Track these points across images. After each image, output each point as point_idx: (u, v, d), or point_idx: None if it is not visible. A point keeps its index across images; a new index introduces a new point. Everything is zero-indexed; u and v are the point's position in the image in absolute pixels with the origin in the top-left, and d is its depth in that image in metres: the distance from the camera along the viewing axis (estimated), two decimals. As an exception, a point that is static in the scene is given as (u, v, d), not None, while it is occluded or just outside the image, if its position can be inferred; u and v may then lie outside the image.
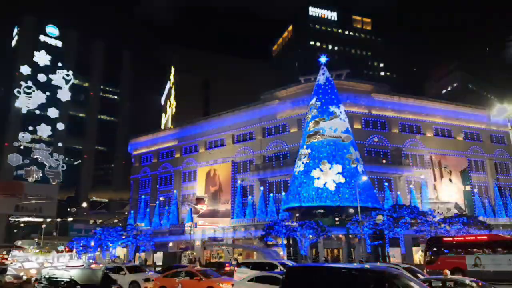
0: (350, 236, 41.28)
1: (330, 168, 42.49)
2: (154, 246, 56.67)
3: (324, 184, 42.12)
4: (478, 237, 31.46)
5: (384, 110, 53.44)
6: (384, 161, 51.00)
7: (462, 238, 31.25)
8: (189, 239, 50.15)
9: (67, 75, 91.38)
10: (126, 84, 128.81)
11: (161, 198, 63.73)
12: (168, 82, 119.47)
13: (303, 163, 44.62)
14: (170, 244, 59.85)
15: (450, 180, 53.37)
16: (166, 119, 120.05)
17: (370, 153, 51.29)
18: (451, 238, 31.33)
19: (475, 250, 27.76)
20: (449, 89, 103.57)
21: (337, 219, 40.99)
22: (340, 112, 45.74)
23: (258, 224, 49.46)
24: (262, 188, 52.56)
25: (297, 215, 44.28)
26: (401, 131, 54.33)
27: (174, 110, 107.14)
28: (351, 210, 40.14)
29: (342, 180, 41.88)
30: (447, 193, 52.46)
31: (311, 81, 51.32)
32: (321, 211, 42.49)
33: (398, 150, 52.75)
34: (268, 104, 55.43)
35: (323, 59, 48.47)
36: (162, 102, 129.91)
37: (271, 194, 51.95)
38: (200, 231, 56.44)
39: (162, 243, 59.12)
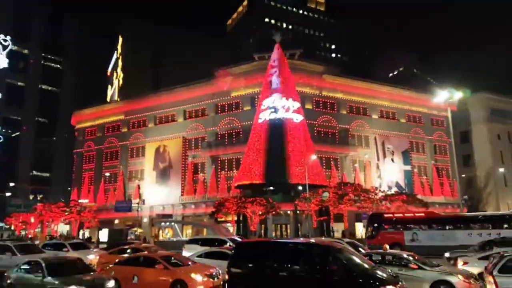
0: (298, 212, 42.58)
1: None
2: (99, 223, 54.98)
3: (275, 162, 42.78)
4: (416, 214, 33.72)
5: (334, 91, 54.73)
6: (332, 141, 52.58)
7: (401, 215, 33.34)
8: (136, 216, 49.10)
9: (4, 40, 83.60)
10: (70, 53, 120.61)
11: (107, 174, 61.46)
12: (116, 52, 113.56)
13: (255, 141, 44.88)
14: (116, 221, 58.40)
15: (392, 160, 56.35)
16: (112, 91, 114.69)
17: (320, 133, 52.62)
18: (391, 215, 33.31)
19: (412, 226, 29.75)
20: (395, 73, 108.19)
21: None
22: (293, 91, 46.25)
23: (209, 201, 49.48)
24: (213, 165, 52.34)
25: (248, 192, 44.78)
26: (349, 112, 56.11)
27: (121, 82, 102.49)
28: (300, 188, 41.25)
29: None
30: (389, 172, 55.47)
31: (265, 59, 51.14)
32: (271, 188, 43.28)
33: (345, 130, 54.57)
34: (222, 80, 54.63)
35: (277, 37, 48.33)
36: (109, 73, 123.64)
37: (223, 172, 51.94)
38: (148, 207, 55.50)
39: (108, 220, 57.51)
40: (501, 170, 58.76)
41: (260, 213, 40.02)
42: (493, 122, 63.65)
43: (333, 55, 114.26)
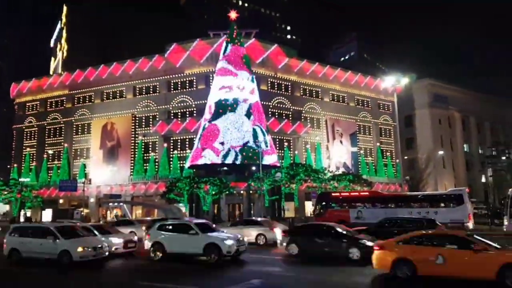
0: (251, 192, 43.07)
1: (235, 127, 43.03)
2: (42, 203, 52.21)
3: (229, 142, 42.65)
4: (361, 193, 35.51)
5: (289, 73, 55.14)
6: (285, 123, 53.30)
7: (347, 194, 34.97)
8: (82, 196, 47.10)
9: None
10: (10, 22, 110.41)
11: (50, 152, 58.02)
12: (60, 22, 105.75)
13: (209, 121, 44.33)
14: (61, 201, 55.76)
15: (341, 142, 58.39)
16: (56, 63, 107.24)
17: (274, 114, 53.05)
18: (338, 194, 34.83)
19: (358, 204, 31.30)
20: (346, 57, 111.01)
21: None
22: (248, 71, 45.92)
23: (160, 181, 48.53)
24: (165, 145, 51.12)
25: (201, 172, 44.44)
26: (302, 94, 56.95)
27: (65, 54, 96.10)
28: (253, 168, 41.60)
29: (247, 138, 42.85)
30: (337, 153, 57.50)
31: (221, 37, 50.14)
32: (225, 168, 43.25)
33: (298, 112, 55.47)
34: (175, 57, 52.92)
35: (233, 14, 47.42)
36: (52, 45, 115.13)
37: (175, 151, 50.96)
38: (95, 187, 53.43)
39: (51, 200, 54.75)
40: (440, 153, 63.05)
41: (214, 193, 39.97)
42: (435, 107, 67.78)
43: (288, 36, 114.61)
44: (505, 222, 25.71)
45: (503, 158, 59.45)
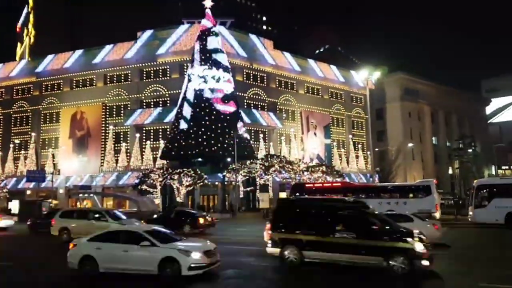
0: (226, 183, 42.96)
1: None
2: (7, 194, 50.28)
3: (205, 133, 42.26)
4: (333, 184, 36.11)
5: (265, 64, 54.96)
6: (260, 114, 53.29)
7: (320, 185, 35.46)
8: (51, 187, 45.59)
9: None
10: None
11: (16, 141, 55.71)
12: (27, 6, 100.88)
13: (183, 110, 43.71)
14: (28, 192, 53.83)
15: (315, 134, 59.01)
16: (22, 49, 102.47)
17: (249, 105, 52.86)
18: (311, 185, 35.24)
19: (330, 195, 31.77)
20: (321, 50, 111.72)
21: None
22: (224, 61, 45.45)
23: (133, 172, 47.59)
24: (138, 134, 50.05)
25: (175, 163, 43.91)
26: (278, 86, 56.99)
27: (32, 39, 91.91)
28: (229, 159, 41.44)
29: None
30: (311, 145, 58.13)
31: (195, 25, 49.29)
32: (200, 159, 42.89)
33: (274, 104, 55.53)
34: (147, 44, 51.66)
35: (208, 3, 46.65)
36: (18, 29, 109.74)
37: (148, 142, 49.99)
38: (64, 178, 51.88)
39: (18, 191, 52.75)
40: (410, 145, 64.84)
41: (187, 184, 39.60)
42: (406, 101, 69.48)
43: (264, 27, 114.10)
44: (470, 213, 26.75)
45: (469, 150, 61.81)
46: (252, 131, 51.36)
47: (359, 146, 65.26)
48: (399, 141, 65.39)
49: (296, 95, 58.49)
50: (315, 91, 61.80)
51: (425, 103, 72.38)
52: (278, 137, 55.01)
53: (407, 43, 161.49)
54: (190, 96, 44.09)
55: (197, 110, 43.36)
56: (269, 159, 42.66)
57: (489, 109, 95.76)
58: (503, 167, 77.98)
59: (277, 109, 55.57)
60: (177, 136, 43.26)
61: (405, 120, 69.11)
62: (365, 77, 35.40)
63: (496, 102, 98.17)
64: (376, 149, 59.59)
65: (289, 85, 58.56)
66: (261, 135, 52.92)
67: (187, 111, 43.74)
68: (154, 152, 48.64)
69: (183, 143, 42.31)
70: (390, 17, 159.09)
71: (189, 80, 44.79)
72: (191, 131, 42.65)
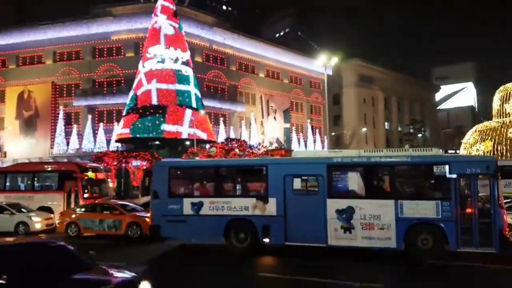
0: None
1: (168, 99, 41.42)
2: None
3: (161, 115, 41.04)
4: None
5: (225, 46, 53.98)
6: (221, 97, 52.64)
7: None
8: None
9: None
10: None
11: (-46, 121, 51.33)
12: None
13: (139, 91, 42.09)
14: (-32, 176, 49.99)
15: (274, 118, 59.34)
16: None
17: (209, 87, 51.94)
18: None
19: None
20: (281, 34, 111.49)
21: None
22: (182, 41, 44.02)
23: (85, 155, 45.45)
24: (90, 116, 47.73)
25: (130, 146, 42.45)
26: (238, 69, 56.37)
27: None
28: (187, 143, 40.66)
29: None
30: (271, 129, 58.50)
31: (152, 2, 47.18)
32: (157, 142, 41.76)
33: (234, 87, 54.96)
34: (101, 21, 48.89)
35: (166, -21, 44.65)
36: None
37: (102, 124, 47.84)
38: (11, 161, 48.63)
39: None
40: (364, 130, 67.00)
41: (145, 168, 38.46)
42: (360, 87, 71.43)
43: (224, 7, 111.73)
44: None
45: (419, 135, 64.96)
46: (212, 114, 50.66)
47: (317, 130, 66.52)
48: (353, 125, 67.38)
49: (256, 79, 58.22)
50: (275, 75, 61.83)
51: (379, 89, 74.79)
52: (239, 121, 54.71)
53: (369, 31, 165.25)
54: (146, 76, 42.46)
55: (153, 90, 41.90)
56: (229, 142, 42.31)
57: (438, 96, 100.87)
58: (450, 151, 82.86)
59: (238, 92, 55.09)
60: (133, 117, 41.69)
61: (360, 106, 71.16)
62: (324, 62, 35.67)
63: (445, 89, 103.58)
64: (333, 134, 61.03)
65: (250, 68, 58.11)
66: (221, 119, 52.36)
67: (143, 92, 42.16)
68: (108, 135, 46.70)
69: (140, 126, 40.88)
70: (352, 4, 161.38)
71: (145, 60, 43.08)
72: (148, 113, 41.26)
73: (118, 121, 46.04)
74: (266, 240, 13.31)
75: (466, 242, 11.59)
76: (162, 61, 42.33)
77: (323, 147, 64.79)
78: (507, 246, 11.50)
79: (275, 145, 54.77)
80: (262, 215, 13.31)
